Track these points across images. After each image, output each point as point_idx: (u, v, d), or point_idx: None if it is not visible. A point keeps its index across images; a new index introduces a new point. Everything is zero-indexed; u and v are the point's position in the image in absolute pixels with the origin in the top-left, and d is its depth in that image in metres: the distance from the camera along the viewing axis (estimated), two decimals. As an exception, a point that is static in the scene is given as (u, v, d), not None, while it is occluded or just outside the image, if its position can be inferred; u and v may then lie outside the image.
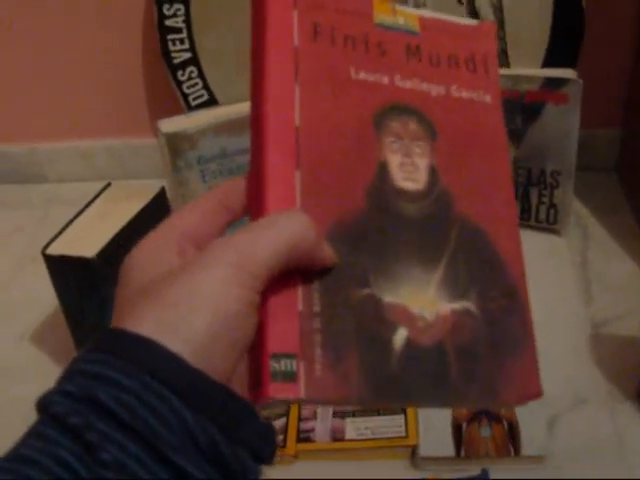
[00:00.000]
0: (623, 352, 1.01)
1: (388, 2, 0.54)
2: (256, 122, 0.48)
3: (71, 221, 0.92)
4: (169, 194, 1.02)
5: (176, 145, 1.03)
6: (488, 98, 0.54)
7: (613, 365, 1.00)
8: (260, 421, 0.41)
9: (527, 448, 0.88)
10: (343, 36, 0.51)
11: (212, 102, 1.24)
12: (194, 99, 1.24)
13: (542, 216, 1.20)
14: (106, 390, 0.37)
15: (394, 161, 0.49)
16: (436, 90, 0.52)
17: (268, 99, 0.47)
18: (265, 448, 0.41)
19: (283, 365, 0.42)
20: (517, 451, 0.88)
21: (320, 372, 0.43)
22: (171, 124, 1.04)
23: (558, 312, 1.08)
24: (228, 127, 1.06)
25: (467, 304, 0.48)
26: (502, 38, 1.16)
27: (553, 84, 1.11)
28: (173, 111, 1.10)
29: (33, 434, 0.38)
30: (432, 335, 0.46)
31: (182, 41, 1.20)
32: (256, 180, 0.47)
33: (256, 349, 0.42)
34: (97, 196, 0.96)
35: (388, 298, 0.46)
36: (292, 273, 0.44)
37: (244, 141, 1.06)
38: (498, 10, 1.14)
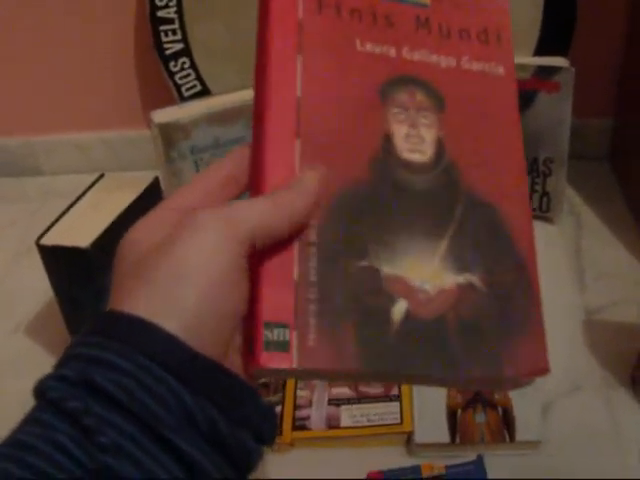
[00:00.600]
0: (617, 339, 1.02)
1: None
2: (257, 92, 0.48)
3: (65, 212, 0.92)
4: (163, 184, 1.02)
5: (169, 135, 1.03)
6: (501, 70, 0.53)
7: (607, 352, 1.00)
8: (260, 401, 0.41)
9: (522, 434, 0.88)
10: (349, 8, 0.51)
11: (205, 93, 1.24)
12: (187, 90, 1.24)
13: (535, 204, 1.20)
14: (102, 373, 0.37)
15: (400, 132, 0.49)
16: (446, 62, 0.52)
17: (269, 70, 0.47)
18: (265, 427, 0.41)
19: (276, 334, 0.42)
20: (512, 437, 0.88)
21: (314, 342, 0.42)
22: (164, 115, 1.04)
23: (552, 299, 1.06)
24: (221, 117, 1.06)
25: (472, 277, 0.47)
26: (494, 27, 1.16)
27: (545, 72, 1.11)
28: (166, 102, 1.10)
29: (30, 420, 0.38)
30: (433, 308, 0.46)
31: (174, 32, 1.20)
32: (256, 149, 0.47)
33: (250, 317, 0.42)
34: (90, 187, 0.96)
35: (388, 269, 0.45)
36: (288, 240, 0.44)
37: (237, 131, 1.06)
38: None
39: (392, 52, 0.51)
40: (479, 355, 0.46)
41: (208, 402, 0.38)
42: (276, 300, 0.43)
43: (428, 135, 0.49)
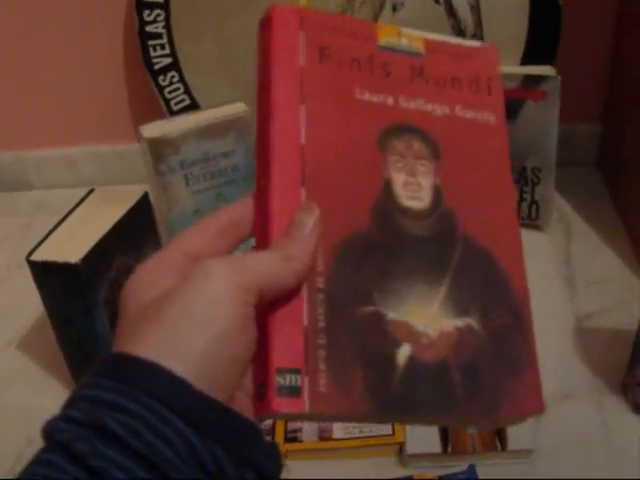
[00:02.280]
0: (608, 345, 1.02)
1: (392, 25, 0.55)
2: (262, 141, 0.49)
3: (55, 227, 0.92)
4: (152, 199, 1.02)
5: (158, 150, 1.04)
6: (492, 118, 0.54)
7: (598, 358, 1.00)
8: (264, 440, 0.42)
9: (513, 443, 0.88)
10: (349, 58, 0.52)
11: (194, 107, 1.24)
12: (176, 104, 1.24)
13: (524, 213, 1.21)
14: (111, 415, 0.37)
15: (399, 180, 0.50)
16: (440, 110, 0.53)
17: (274, 118, 0.48)
18: (271, 466, 0.41)
19: (288, 380, 0.43)
20: (504, 446, 0.88)
21: (324, 387, 0.43)
22: (153, 129, 1.04)
23: (542, 307, 1.07)
24: (210, 131, 1.06)
25: (470, 321, 0.48)
26: (480, 37, 1.17)
27: (532, 81, 1.12)
28: (156, 116, 1.10)
29: (40, 462, 0.38)
30: (436, 352, 0.47)
31: (163, 46, 1.20)
32: (262, 197, 0.47)
33: (261, 362, 0.43)
34: (80, 202, 0.96)
35: (392, 315, 0.47)
36: (297, 289, 0.45)
37: (226, 144, 1.07)
38: (475, 9, 1.15)
39: (390, 101, 0.52)
40: (478, 396, 0.47)
41: (214, 443, 0.38)
42: (287, 346, 0.43)
43: (425, 182, 0.51)
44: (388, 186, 0.50)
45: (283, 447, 0.90)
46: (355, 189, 0.49)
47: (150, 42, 1.19)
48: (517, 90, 1.13)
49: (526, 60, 1.19)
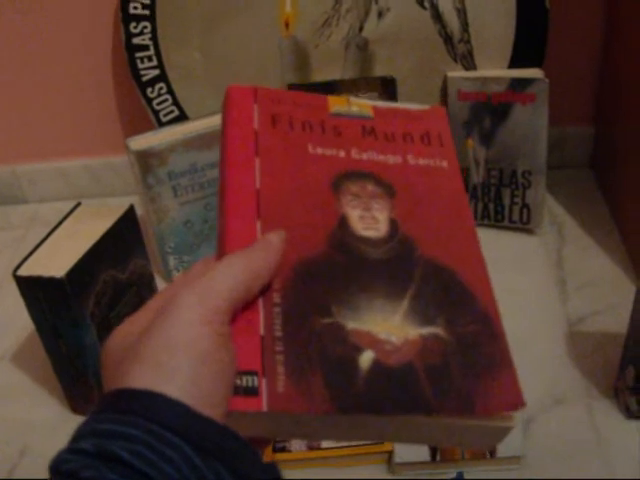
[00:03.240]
0: (600, 349, 1.02)
1: (340, 96, 0.59)
2: (220, 190, 0.51)
3: (41, 242, 0.93)
4: (140, 211, 1.02)
5: (146, 162, 1.04)
6: (445, 164, 0.57)
7: (590, 362, 1.00)
8: (260, 457, 0.42)
9: (503, 450, 0.88)
10: (300, 122, 0.56)
11: (183, 118, 1.24)
12: (165, 115, 1.25)
13: (515, 216, 1.21)
14: (118, 443, 0.38)
15: (354, 214, 0.52)
16: (393, 159, 0.56)
17: (230, 169, 0.52)
18: None
19: (244, 381, 0.44)
20: (492, 453, 0.88)
21: (283, 388, 0.44)
22: (140, 141, 1.05)
23: (534, 311, 1.08)
24: (197, 142, 1.06)
25: (436, 330, 0.48)
26: (467, 41, 1.16)
27: (520, 84, 1.12)
28: (146, 128, 1.11)
29: None
30: (400, 357, 0.47)
31: (150, 58, 1.20)
32: (219, 234, 0.49)
33: None
34: (67, 216, 0.97)
35: (353, 325, 0.47)
36: (254, 303, 0.46)
37: (214, 155, 1.07)
38: (462, 13, 1.15)
39: (342, 154, 0.55)
40: (449, 395, 0.46)
41: (216, 461, 0.39)
42: (243, 352, 0.44)
43: (381, 216, 0.52)
44: (344, 220, 0.51)
45: (272, 457, 0.90)
46: (311, 222, 0.51)
47: (137, 54, 1.20)
48: (505, 93, 1.13)
49: (514, 63, 1.18)
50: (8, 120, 1.38)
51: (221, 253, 0.48)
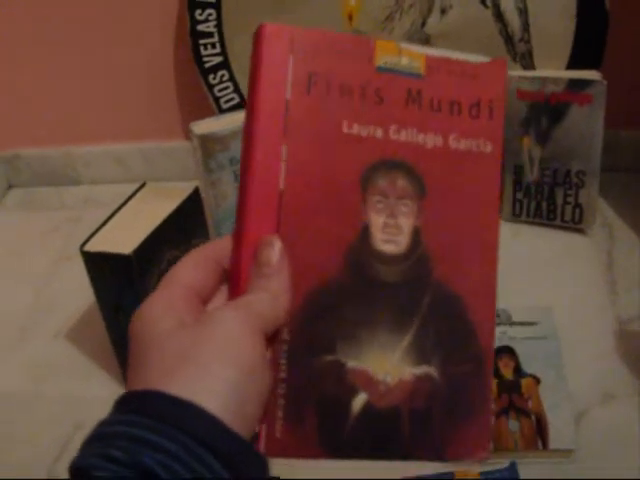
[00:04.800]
0: (649, 349, 1.03)
1: (392, 41, 0.52)
2: (241, 183, 0.49)
3: (107, 220, 0.94)
4: (202, 194, 1.04)
5: (208, 146, 1.05)
6: (489, 147, 0.53)
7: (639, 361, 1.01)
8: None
9: (555, 442, 0.89)
10: (339, 85, 0.50)
11: (243, 105, 1.26)
12: (225, 102, 1.26)
13: (568, 216, 1.22)
14: (150, 454, 0.38)
15: (377, 222, 0.50)
16: (433, 141, 0.51)
17: (253, 164, 0.48)
18: None
19: None
20: (545, 445, 0.89)
21: (280, 434, 0.47)
22: (203, 126, 1.06)
23: (585, 310, 1.09)
24: (259, 129, 1.08)
25: (429, 369, 0.50)
26: (527, 41, 1.18)
27: (578, 85, 1.13)
28: (205, 114, 1.12)
29: None
30: (390, 399, 0.49)
31: (213, 45, 1.22)
32: (235, 245, 0.49)
33: None
34: (132, 196, 0.98)
35: (352, 363, 0.49)
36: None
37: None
38: (523, 13, 1.16)
39: (379, 133, 0.51)
40: (425, 441, 0.49)
41: None
42: None
43: (406, 224, 0.51)
44: (366, 230, 0.50)
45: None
46: (331, 234, 0.49)
47: (201, 41, 1.21)
48: (562, 94, 1.14)
49: (572, 64, 1.19)
50: (65, 102, 1.40)
51: (234, 274, 0.48)
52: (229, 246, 0.49)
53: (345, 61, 0.51)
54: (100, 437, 0.40)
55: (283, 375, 0.47)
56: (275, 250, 0.47)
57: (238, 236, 0.48)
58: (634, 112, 1.32)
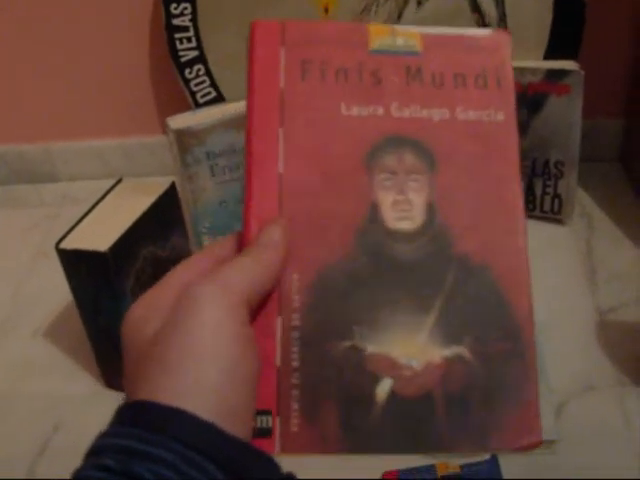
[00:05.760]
0: (630, 339, 1.02)
1: (385, 25, 0.52)
2: (245, 172, 0.48)
3: (83, 216, 0.93)
4: (179, 189, 1.03)
5: (185, 141, 1.05)
6: (500, 115, 0.50)
7: (620, 352, 1.01)
8: (283, 475, 0.42)
9: (536, 433, 0.89)
10: (334, 69, 0.50)
11: (219, 99, 1.25)
12: (202, 97, 1.26)
13: (547, 206, 1.22)
14: (142, 464, 0.37)
15: (387, 200, 0.48)
16: (439, 114, 0.50)
17: (252, 150, 0.48)
18: None
19: (259, 421, 0.43)
20: (525, 436, 0.88)
21: (297, 427, 0.43)
22: (179, 121, 1.05)
23: (564, 301, 1.09)
24: (235, 123, 1.07)
25: (461, 350, 0.46)
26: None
27: (555, 76, 1.12)
28: (181, 109, 1.11)
29: None
30: (419, 385, 0.45)
31: (189, 39, 1.21)
32: (242, 229, 0.48)
33: None
34: (108, 192, 0.98)
35: (373, 348, 0.45)
36: (270, 327, 0.45)
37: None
38: (500, 4, 1.15)
39: (380, 111, 0.50)
40: (465, 431, 0.45)
41: None
42: (259, 388, 0.43)
43: (418, 199, 0.48)
44: (375, 208, 0.48)
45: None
46: (338, 215, 0.47)
47: (177, 35, 1.21)
48: (540, 84, 1.13)
49: (549, 54, 1.19)
50: (43, 98, 1.39)
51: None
52: (231, 244, 0.48)
53: (339, 47, 0.50)
54: (95, 449, 0.39)
55: (296, 364, 0.44)
56: (278, 227, 0.46)
57: (243, 220, 0.47)
58: (612, 102, 1.32)
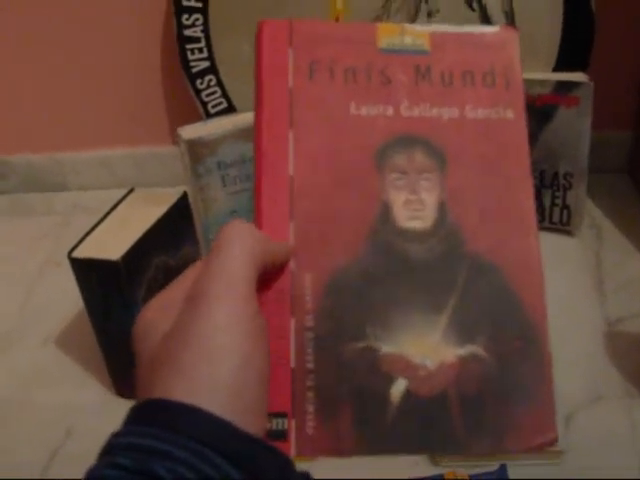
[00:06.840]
0: (638, 349, 1.02)
1: (394, 24, 0.52)
2: (255, 170, 0.48)
3: (95, 226, 0.94)
4: (190, 199, 1.04)
5: (196, 151, 1.05)
6: (510, 113, 0.51)
7: (629, 362, 1.01)
8: (297, 473, 0.42)
9: (544, 443, 0.89)
10: (343, 69, 0.50)
11: (230, 110, 1.26)
12: (213, 107, 1.26)
13: (556, 218, 1.22)
14: (159, 462, 0.37)
15: (398, 200, 0.48)
16: (448, 113, 0.50)
17: (261, 153, 0.48)
18: None
19: (275, 424, 0.44)
20: (534, 446, 0.89)
21: (312, 429, 0.44)
22: (191, 131, 1.06)
23: (573, 311, 1.09)
24: (246, 133, 1.08)
25: (475, 349, 0.46)
26: (514, 43, 1.18)
27: (564, 87, 1.13)
28: (192, 119, 1.12)
29: None
30: (434, 385, 0.45)
31: (200, 50, 1.22)
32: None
33: None
34: (120, 202, 0.98)
35: (387, 349, 0.45)
36: (284, 328, 0.45)
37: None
38: (509, 16, 1.16)
39: (389, 111, 0.50)
40: (481, 430, 0.45)
41: None
42: (274, 390, 0.43)
43: (429, 199, 0.48)
44: (387, 208, 0.48)
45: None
46: (350, 216, 0.47)
47: (188, 46, 1.22)
48: (550, 96, 1.14)
49: (559, 66, 1.20)
50: (53, 108, 1.40)
51: None
52: None
53: (347, 47, 0.50)
54: (109, 447, 0.39)
55: (310, 366, 0.44)
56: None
57: (256, 224, 0.47)
58: (621, 114, 1.32)
